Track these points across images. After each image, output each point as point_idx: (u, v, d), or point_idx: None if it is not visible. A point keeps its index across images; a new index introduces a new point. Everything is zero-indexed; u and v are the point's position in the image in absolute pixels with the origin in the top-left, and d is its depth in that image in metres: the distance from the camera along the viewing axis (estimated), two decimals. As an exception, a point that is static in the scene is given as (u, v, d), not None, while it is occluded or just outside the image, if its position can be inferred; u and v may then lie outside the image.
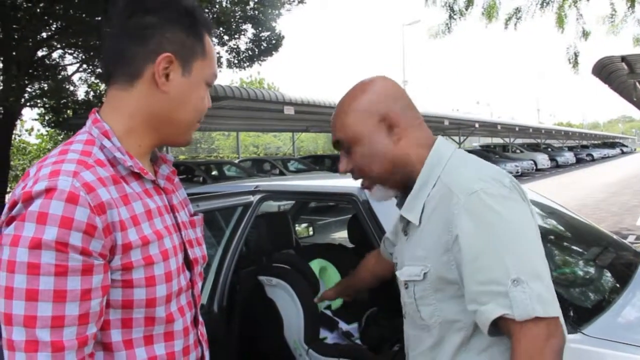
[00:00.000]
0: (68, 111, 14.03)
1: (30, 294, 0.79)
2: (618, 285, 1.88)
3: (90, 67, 13.22)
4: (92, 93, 14.11)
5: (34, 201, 0.82)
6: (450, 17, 10.14)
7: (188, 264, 1.06)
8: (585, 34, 9.34)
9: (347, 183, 2.19)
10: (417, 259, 1.13)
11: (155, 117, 1.00)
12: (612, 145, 53.46)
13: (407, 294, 1.16)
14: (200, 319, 1.13)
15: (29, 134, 19.43)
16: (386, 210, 1.80)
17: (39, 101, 12.81)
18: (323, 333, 2.30)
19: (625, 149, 54.71)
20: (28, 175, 0.88)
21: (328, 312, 2.38)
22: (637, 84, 13.08)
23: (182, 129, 1.04)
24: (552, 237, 2.31)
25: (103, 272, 0.87)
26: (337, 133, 1.22)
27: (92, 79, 13.95)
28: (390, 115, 1.16)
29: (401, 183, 1.20)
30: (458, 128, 24.76)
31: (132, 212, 0.93)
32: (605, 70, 11.01)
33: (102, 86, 14.13)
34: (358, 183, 2.01)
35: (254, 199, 2.28)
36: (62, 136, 18.55)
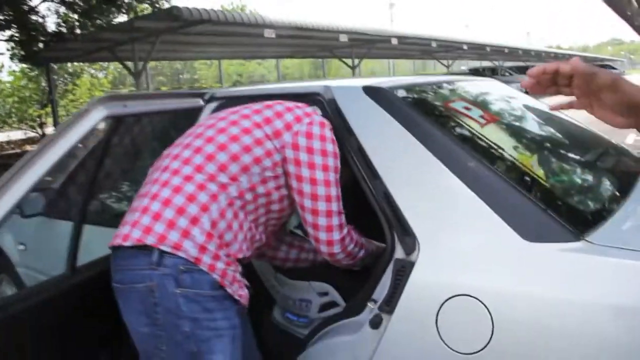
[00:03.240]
0: (39, 44, 13.34)
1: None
2: (620, 192, 1.68)
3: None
4: (63, 24, 13.34)
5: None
6: None
7: None
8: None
9: (311, 83, 1.90)
10: None
11: None
12: (602, 67, 52.65)
13: None
14: None
15: (0, 71, 18.54)
16: (356, 111, 1.54)
17: (3, 33, 12.12)
18: None
19: (615, 71, 54.08)
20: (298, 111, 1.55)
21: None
22: (632, -3, 12.58)
23: None
24: (548, 144, 2.10)
25: None
26: None
27: (62, 9, 13.16)
28: None
29: None
30: (446, 51, 24.17)
31: None
32: (599, -17, 10.53)
33: (75, 16, 13.37)
34: (323, 82, 1.72)
35: (204, 104, 1.93)
36: (36, 71, 17.71)
